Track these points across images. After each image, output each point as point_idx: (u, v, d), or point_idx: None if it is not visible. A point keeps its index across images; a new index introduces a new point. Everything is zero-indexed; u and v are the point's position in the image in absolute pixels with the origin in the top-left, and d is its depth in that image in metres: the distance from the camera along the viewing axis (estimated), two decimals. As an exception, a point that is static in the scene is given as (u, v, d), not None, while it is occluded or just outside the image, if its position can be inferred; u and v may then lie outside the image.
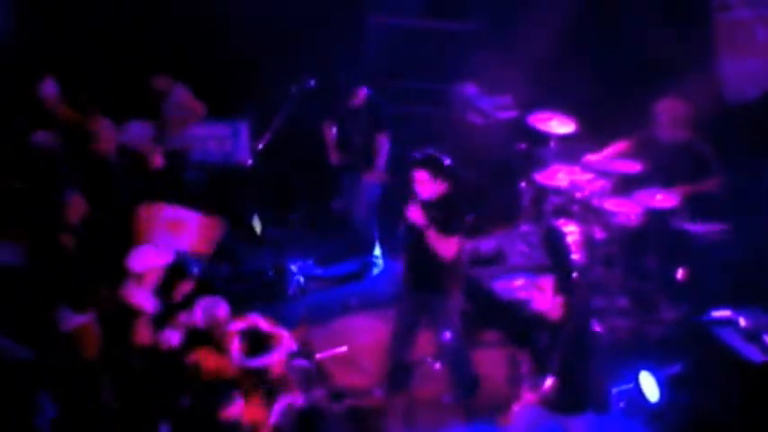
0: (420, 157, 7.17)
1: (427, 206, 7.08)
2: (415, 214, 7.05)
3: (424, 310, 7.40)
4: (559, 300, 6.34)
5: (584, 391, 6.39)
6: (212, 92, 10.23)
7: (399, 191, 7.60)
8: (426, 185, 7.10)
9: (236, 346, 6.80)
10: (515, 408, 6.52)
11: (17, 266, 7.20)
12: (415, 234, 7.12)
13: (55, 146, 8.39)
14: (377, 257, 9.53)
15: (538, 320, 6.43)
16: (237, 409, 6.61)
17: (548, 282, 6.34)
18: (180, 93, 9.69)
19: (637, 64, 9.82)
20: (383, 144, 9.26)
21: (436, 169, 7.10)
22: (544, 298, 6.36)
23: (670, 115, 8.53)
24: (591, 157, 8.85)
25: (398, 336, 7.53)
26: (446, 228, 7.06)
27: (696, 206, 8.39)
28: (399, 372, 7.57)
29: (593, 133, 9.21)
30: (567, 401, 6.37)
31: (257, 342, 6.93)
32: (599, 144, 8.98)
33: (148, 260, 6.96)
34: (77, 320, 6.90)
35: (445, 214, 7.09)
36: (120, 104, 9.11)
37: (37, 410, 6.00)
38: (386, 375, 7.65)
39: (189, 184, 9.11)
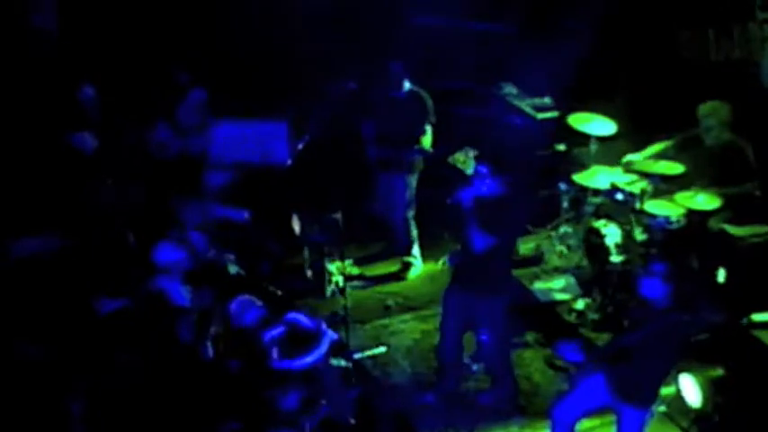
0: (487, 151, 7.14)
1: (479, 200, 7.04)
2: (465, 195, 7.02)
3: (470, 311, 7.37)
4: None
5: (653, 385, 6.41)
6: (253, 90, 10.29)
7: (439, 188, 7.59)
8: (486, 181, 7.07)
9: (275, 353, 6.78)
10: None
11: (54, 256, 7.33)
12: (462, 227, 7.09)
13: (92, 145, 8.58)
14: (415, 258, 9.52)
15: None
16: (293, 401, 6.66)
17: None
18: (196, 96, 9.67)
19: (678, 63, 9.74)
20: (425, 137, 9.13)
21: (500, 167, 7.07)
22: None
23: (713, 117, 8.45)
24: (631, 158, 8.80)
25: (445, 335, 7.54)
26: (487, 226, 6.99)
27: (738, 208, 8.31)
28: (446, 372, 7.62)
29: (634, 134, 9.15)
30: (632, 389, 6.36)
31: (299, 341, 6.94)
32: (640, 144, 8.93)
33: (170, 254, 7.05)
34: (113, 306, 6.98)
35: (493, 214, 7.01)
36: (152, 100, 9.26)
37: (67, 414, 6.00)
38: (434, 375, 7.73)
39: (210, 184, 9.15)
